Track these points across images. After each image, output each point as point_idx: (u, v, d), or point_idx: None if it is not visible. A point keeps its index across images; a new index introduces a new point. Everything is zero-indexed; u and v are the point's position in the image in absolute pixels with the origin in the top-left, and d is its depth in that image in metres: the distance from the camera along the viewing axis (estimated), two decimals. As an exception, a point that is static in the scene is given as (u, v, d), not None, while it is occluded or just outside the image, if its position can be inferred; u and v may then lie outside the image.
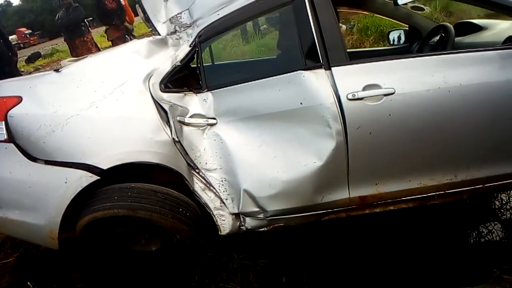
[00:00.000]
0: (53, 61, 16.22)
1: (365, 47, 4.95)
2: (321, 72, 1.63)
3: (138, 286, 1.91)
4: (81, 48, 5.54)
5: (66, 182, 1.59)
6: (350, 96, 1.59)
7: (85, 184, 1.59)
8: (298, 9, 1.69)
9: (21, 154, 1.62)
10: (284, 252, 1.97)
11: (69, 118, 1.62)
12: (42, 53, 16.57)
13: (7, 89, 1.71)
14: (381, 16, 2.95)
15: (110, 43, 5.99)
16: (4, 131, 1.63)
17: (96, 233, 1.74)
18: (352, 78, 1.63)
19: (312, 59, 1.66)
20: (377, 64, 1.67)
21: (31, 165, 1.62)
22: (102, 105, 1.65)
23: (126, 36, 5.89)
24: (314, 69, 1.64)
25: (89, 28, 5.78)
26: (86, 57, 1.97)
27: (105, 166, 1.60)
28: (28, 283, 2.00)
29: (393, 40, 2.77)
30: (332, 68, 1.63)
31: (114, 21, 5.76)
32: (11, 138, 1.62)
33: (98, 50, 5.72)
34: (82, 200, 1.67)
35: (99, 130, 1.64)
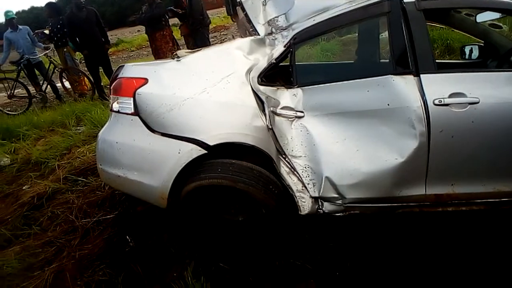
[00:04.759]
0: (118, 50, 17.21)
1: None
2: (410, 78, 1.81)
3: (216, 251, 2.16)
4: (160, 40, 5.91)
5: (179, 152, 1.89)
6: (436, 102, 1.75)
7: (194, 155, 1.88)
8: (393, 19, 1.87)
9: (143, 126, 1.95)
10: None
11: (185, 100, 1.92)
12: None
13: (136, 71, 2.06)
14: (458, 31, 3.01)
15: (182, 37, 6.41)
16: (132, 106, 1.97)
17: (196, 199, 2.03)
18: (439, 85, 1.78)
19: (402, 65, 1.83)
20: (464, 74, 1.82)
21: (151, 135, 1.94)
22: (212, 91, 1.94)
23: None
24: (403, 74, 1.81)
25: (169, 23, 6.17)
26: (200, 49, 2.27)
27: (211, 142, 1.88)
28: (127, 237, 2.35)
29: (466, 54, 2.84)
30: (421, 75, 1.80)
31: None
32: (137, 112, 1.96)
33: (174, 43, 6.13)
34: (187, 171, 1.95)
35: (208, 112, 1.93)
